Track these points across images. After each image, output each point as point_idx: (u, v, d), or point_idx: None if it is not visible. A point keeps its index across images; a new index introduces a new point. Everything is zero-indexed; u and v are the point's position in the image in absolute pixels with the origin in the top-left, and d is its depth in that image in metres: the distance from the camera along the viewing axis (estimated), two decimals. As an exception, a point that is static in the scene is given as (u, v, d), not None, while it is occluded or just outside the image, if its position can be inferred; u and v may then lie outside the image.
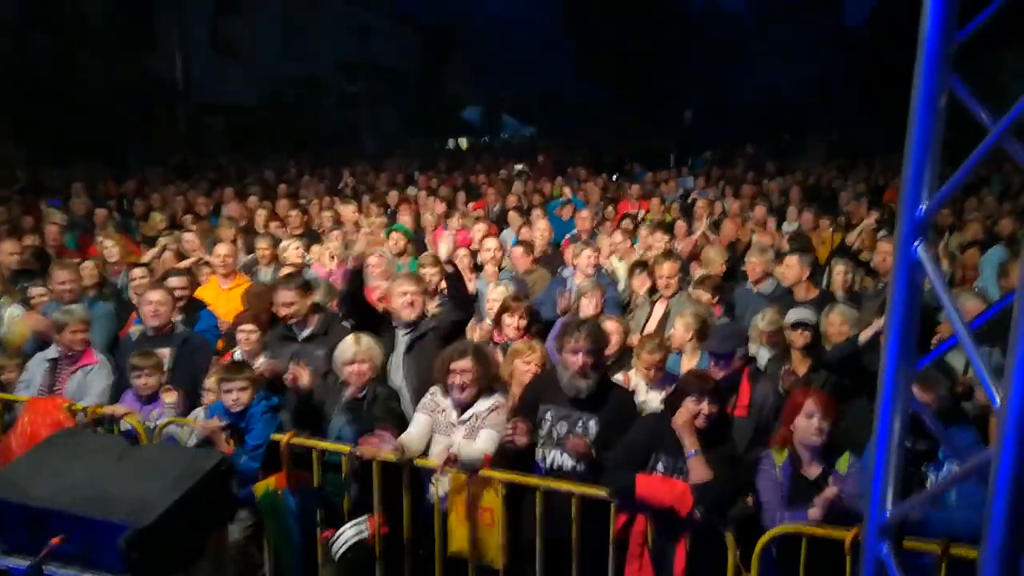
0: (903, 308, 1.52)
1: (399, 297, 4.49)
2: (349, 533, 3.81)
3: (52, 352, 4.85)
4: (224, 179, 14.41)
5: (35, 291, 5.87)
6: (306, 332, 4.84)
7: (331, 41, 29.71)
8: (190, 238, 7.67)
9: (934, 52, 1.43)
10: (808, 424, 3.41)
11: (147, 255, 7.60)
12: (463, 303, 4.67)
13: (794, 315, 4.71)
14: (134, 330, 5.29)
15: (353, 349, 4.03)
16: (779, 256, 6.42)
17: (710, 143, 23.44)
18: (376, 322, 4.65)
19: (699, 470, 3.33)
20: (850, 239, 8.05)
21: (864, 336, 4.17)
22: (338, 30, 30.22)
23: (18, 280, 6.37)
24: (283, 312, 4.79)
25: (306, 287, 4.84)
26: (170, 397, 4.39)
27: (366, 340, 4.12)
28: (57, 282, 5.61)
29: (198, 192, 12.20)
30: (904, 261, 1.49)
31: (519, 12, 42.61)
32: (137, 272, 6.37)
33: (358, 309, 4.65)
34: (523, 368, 4.27)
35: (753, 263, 6.15)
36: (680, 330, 4.80)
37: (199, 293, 6.17)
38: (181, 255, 7.40)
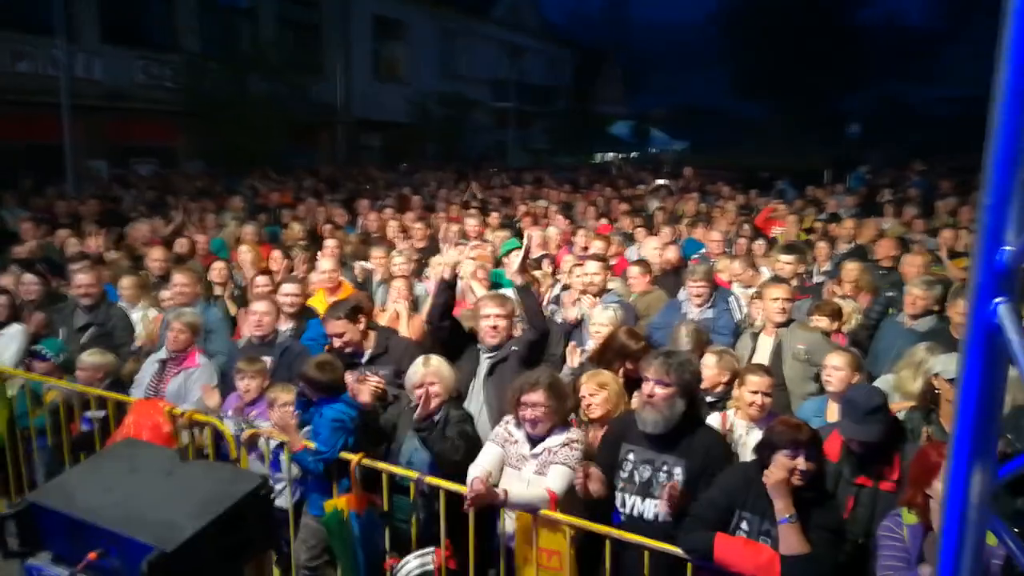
0: (979, 389, 1.11)
1: (483, 320, 4.30)
2: (413, 564, 3.65)
3: (162, 353, 5.03)
4: (368, 192, 14.95)
5: (164, 294, 6.19)
6: (366, 356, 4.61)
7: (482, 60, 30.47)
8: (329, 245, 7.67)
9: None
10: None
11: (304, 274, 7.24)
12: (537, 321, 4.34)
13: (942, 364, 3.91)
14: (242, 338, 5.44)
15: (421, 371, 3.87)
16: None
17: (877, 161, 21.62)
18: (463, 341, 4.47)
19: (792, 540, 2.85)
20: None
21: None
22: (489, 50, 30.95)
23: (160, 285, 6.79)
24: (337, 344, 4.50)
25: (353, 312, 4.54)
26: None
27: (435, 361, 3.95)
28: (174, 285, 5.88)
29: (338, 204, 12.68)
30: (979, 326, 1.09)
31: (672, 24, 41.85)
32: (260, 280, 6.61)
33: (445, 326, 4.47)
34: (586, 402, 3.94)
35: (916, 296, 5.38)
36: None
37: (310, 303, 6.29)
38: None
